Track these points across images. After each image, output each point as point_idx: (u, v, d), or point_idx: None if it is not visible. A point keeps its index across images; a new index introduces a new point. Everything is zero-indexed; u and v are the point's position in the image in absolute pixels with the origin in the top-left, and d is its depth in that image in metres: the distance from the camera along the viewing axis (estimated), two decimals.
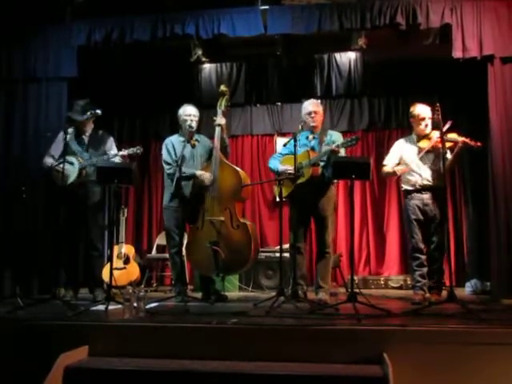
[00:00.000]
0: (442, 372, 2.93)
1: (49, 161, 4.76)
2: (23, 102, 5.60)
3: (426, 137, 4.60)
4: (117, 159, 4.72)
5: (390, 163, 4.79)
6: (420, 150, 4.57)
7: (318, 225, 4.68)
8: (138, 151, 4.75)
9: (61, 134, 4.67)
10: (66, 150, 4.44)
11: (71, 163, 4.64)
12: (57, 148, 4.76)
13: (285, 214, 4.80)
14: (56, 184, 4.62)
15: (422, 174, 4.57)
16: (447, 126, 4.29)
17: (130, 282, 5.96)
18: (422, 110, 4.61)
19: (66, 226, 4.69)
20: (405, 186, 4.70)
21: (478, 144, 4.38)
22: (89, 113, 4.74)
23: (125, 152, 4.71)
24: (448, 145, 4.36)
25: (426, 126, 4.59)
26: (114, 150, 4.92)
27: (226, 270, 4.65)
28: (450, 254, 5.63)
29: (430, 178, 4.55)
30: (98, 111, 4.74)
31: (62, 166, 4.52)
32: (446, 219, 4.64)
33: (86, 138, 4.89)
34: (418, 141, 4.63)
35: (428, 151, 4.53)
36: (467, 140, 4.36)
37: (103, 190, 4.85)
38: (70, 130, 4.62)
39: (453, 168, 4.81)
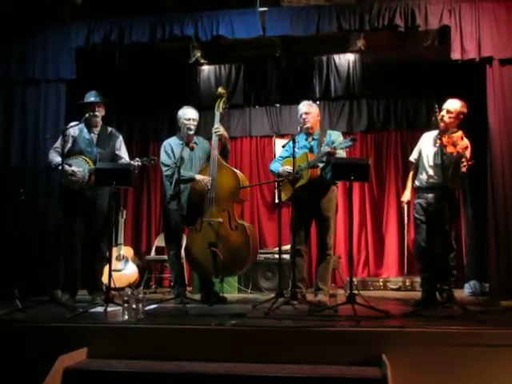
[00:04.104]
0: (440, 374, 2.93)
1: (56, 159, 4.67)
2: (22, 104, 5.58)
3: (448, 133, 4.39)
4: None
5: (412, 157, 4.76)
6: (437, 144, 4.40)
7: (320, 226, 4.67)
8: (153, 161, 4.73)
9: (69, 131, 4.65)
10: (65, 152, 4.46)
11: (81, 167, 4.64)
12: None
13: (284, 215, 4.82)
14: (68, 187, 4.60)
15: (429, 171, 4.50)
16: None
17: (129, 283, 5.97)
18: (449, 104, 4.47)
19: (73, 228, 4.73)
20: (416, 183, 4.66)
21: (469, 162, 4.23)
22: (98, 98, 4.81)
23: (139, 162, 4.64)
24: (450, 150, 4.29)
25: (450, 118, 4.42)
26: (122, 150, 4.94)
27: (224, 272, 4.66)
28: None
29: (436, 177, 4.44)
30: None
31: (75, 170, 4.58)
32: (454, 220, 4.55)
33: (94, 136, 4.86)
34: (440, 136, 4.35)
35: (443, 151, 4.26)
36: (465, 154, 4.21)
37: (112, 193, 4.74)
38: (80, 126, 4.71)
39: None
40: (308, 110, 4.71)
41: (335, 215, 4.77)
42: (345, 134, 6.53)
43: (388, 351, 2.92)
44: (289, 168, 4.53)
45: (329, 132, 4.82)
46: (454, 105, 4.47)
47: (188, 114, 4.84)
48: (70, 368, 2.95)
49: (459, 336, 3.01)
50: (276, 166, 4.81)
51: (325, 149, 4.48)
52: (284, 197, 4.67)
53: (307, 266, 5.19)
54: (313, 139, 4.73)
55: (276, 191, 4.56)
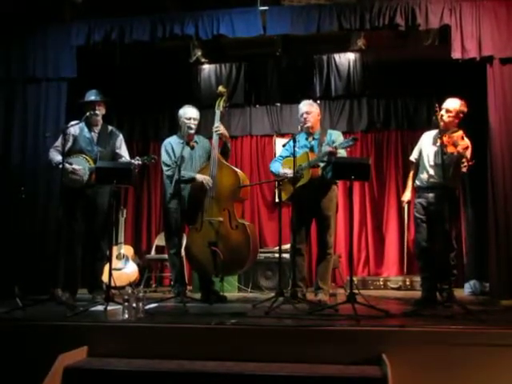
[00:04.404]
0: (440, 373, 2.93)
1: (57, 158, 4.66)
2: (22, 103, 5.58)
3: (448, 133, 4.37)
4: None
5: (413, 157, 4.74)
6: (438, 144, 4.37)
7: (320, 225, 4.67)
8: (153, 160, 4.74)
9: (69, 130, 4.65)
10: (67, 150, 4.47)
11: (82, 165, 4.64)
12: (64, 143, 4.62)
13: (284, 214, 4.81)
14: (68, 185, 4.59)
15: (430, 170, 4.48)
16: None
17: (129, 282, 5.97)
18: (449, 103, 4.46)
19: (73, 226, 4.73)
20: (416, 182, 4.65)
21: (470, 163, 4.22)
22: (98, 97, 4.82)
23: (139, 161, 4.63)
24: (451, 150, 4.27)
25: (449, 117, 4.41)
26: (123, 148, 4.94)
27: (224, 271, 4.66)
28: None
29: (436, 176, 4.42)
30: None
31: (76, 168, 4.58)
32: (454, 220, 4.54)
33: (94, 135, 4.85)
34: (441, 135, 4.32)
35: (444, 151, 4.23)
36: (465, 154, 4.20)
37: (112, 192, 4.71)
38: (80, 125, 4.71)
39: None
40: (308, 109, 4.71)
41: (335, 214, 4.76)
42: (345, 134, 6.55)
43: (388, 350, 2.92)
44: (288, 172, 4.52)
45: (329, 131, 4.81)
46: (453, 104, 4.46)
47: (189, 113, 4.84)
48: (70, 367, 2.95)
49: (459, 336, 3.01)
50: (276, 167, 4.80)
51: (326, 148, 4.47)
52: (284, 196, 4.67)
53: (307, 265, 5.19)
54: (313, 139, 4.73)
55: (276, 191, 4.55)
